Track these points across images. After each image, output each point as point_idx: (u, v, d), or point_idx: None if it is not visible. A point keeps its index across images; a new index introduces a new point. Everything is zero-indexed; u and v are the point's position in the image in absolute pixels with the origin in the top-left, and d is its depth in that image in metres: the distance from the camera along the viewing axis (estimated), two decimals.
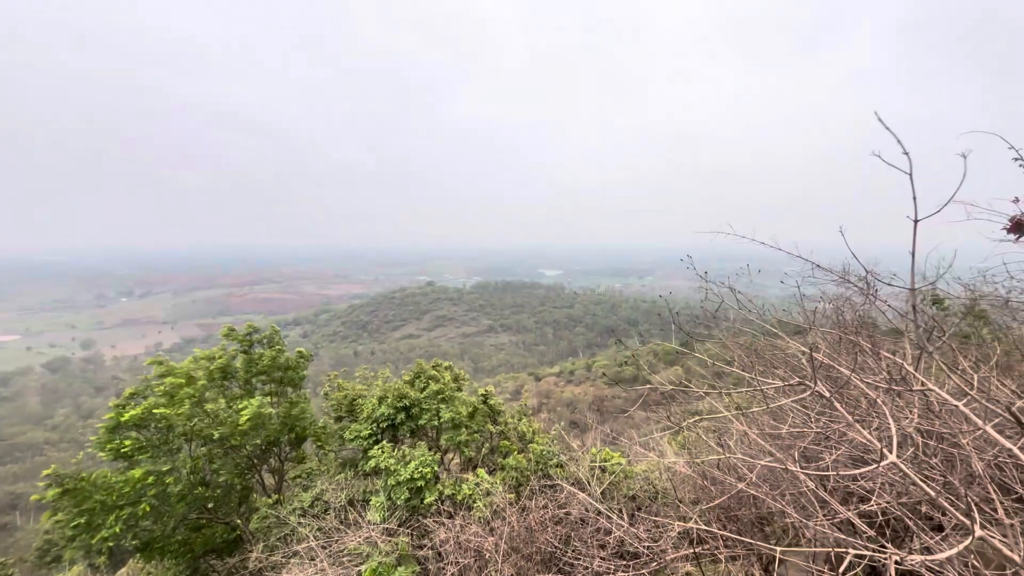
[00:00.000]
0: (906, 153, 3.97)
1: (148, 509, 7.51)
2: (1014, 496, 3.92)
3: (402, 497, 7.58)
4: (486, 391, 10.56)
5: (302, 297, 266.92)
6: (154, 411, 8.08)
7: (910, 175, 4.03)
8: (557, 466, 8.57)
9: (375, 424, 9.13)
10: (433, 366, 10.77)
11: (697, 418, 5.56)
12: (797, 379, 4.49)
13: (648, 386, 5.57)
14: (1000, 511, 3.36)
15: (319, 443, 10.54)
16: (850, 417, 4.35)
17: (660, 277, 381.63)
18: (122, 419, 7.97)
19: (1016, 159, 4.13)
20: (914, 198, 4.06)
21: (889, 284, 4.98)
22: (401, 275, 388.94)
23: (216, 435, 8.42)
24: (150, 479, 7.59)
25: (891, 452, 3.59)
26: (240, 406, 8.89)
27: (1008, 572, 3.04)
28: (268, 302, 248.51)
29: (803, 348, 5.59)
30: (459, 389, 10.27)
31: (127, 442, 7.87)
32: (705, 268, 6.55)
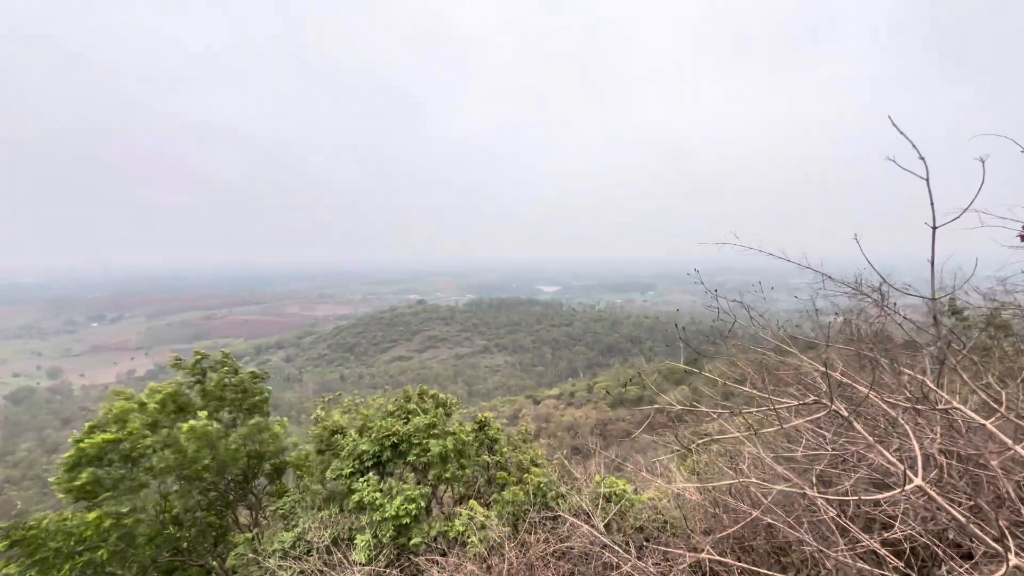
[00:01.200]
0: (922, 158, 3.97)
1: (107, 555, 7.26)
2: None
3: (387, 535, 7.41)
4: (483, 418, 10.43)
5: (285, 319, 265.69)
6: (103, 437, 7.92)
7: (927, 180, 4.05)
8: (558, 496, 8.42)
9: (358, 461, 8.98)
10: (419, 394, 10.64)
11: (707, 438, 5.48)
12: (812, 398, 4.45)
13: (654, 407, 5.51)
14: None
15: (301, 474, 10.34)
16: (870, 438, 4.30)
17: (663, 291, 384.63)
18: (80, 454, 7.80)
19: None
20: (931, 204, 4.05)
21: (905, 293, 4.98)
22: (390, 294, 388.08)
23: (162, 463, 8.23)
24: (107, 522, 7.37)
25: (915, 475, 3.53)
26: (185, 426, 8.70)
27: None
28: (249, 324, 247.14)
29: (817, 365, 5.56)
30: (448, 415, 10.13)
31: (83, 475, 7.65)
32: (709, 281, 6.55)
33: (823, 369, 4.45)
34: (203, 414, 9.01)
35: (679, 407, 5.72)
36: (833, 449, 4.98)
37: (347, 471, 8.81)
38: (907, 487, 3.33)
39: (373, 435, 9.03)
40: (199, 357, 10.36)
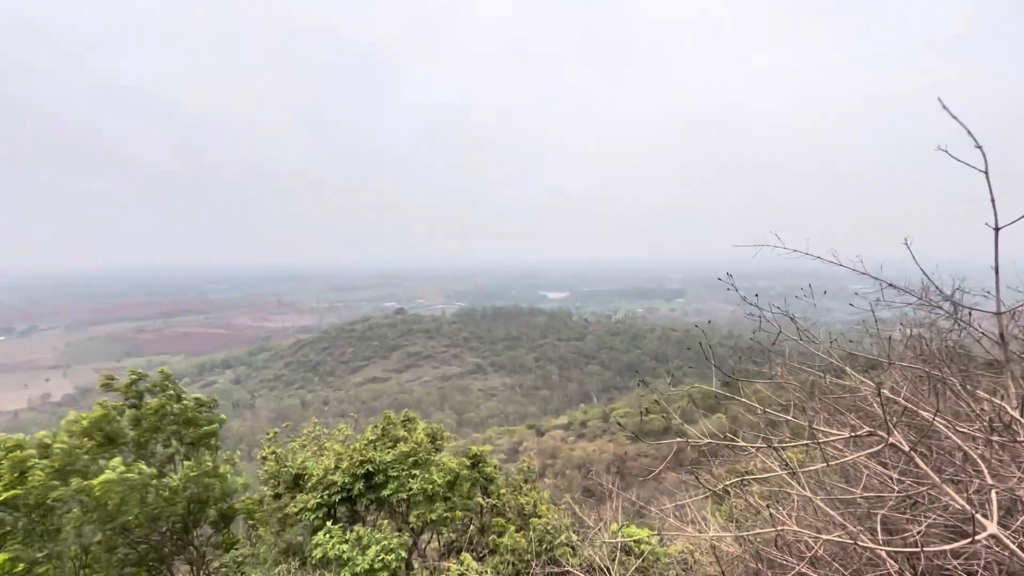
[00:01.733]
0: (979, 147, 3.84)
1: None
2: None
3: None
4: (478, 452, 10.44)
5: (234, 332, 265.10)
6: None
7: (986, 173, 3.90)
8: (566, 548, 8.44)
9: (326, 493, 8.98)
10: (403, 420, 10.68)
11: (747, 477, 5.51)
12: (869, 428, 4.49)
13: (682, 438, 5.53)
14: None
15: (253, 522, 10.33)
16: (937, 477, 4.34)
17: (693, 299, 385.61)
18: None
19: None
20: (992, 201, 3.94)
21: (978, 309, 5.02)
22: (362, 302, 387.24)
23: (77, 519, 8.18)
24: (20, 567, 7.39)
25: (991, 521, 3.56)
26: (102, 475, 8.61)
27: None
28: (190, 339, 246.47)
29: (877, 388, 5.60)
30: (437, 450, 10.14)
31: None
32: (749, 287, 6.61)
33: (885, 393, 4.49)
34: (116, 462, 8.88)
35: (712, 440, 5.75)
36: (898, 490, 5.01)
37: (313, 503, 8.82)
38: (982, 535, 3.37)
39: (346, 464, 9.05)
40: (135, 377, 10.37)
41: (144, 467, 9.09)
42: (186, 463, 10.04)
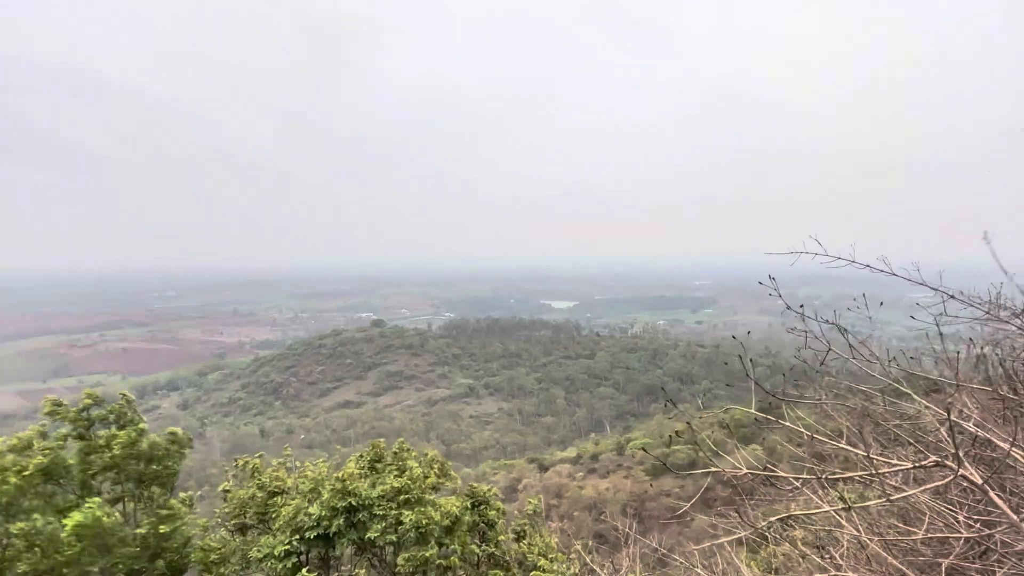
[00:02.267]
0: None
1: None
2: None
3: None
4: (480, 492, 10.43)
5: (182, 347, 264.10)
6: None
7: None
8: None
9: (296, 537, 8.97)
10: (399, 450, 10.69)
11: (788, 517, 5.50)
12: (934, 459, 4.50)
13: (714, 470, 5.53)
14: None
15: (208, 573, 10.30)
16: (1015, 517, 4.37)
17: (723, 310, 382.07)
18: None
19: None
20: None
21: None
22: (334, 312, 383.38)
23: (24, 567, 8.09)
24: None
25: None
26: (74, 515, 8.52)
27: None
28: (130, 356, 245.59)
29: (942, 413, 5.61)
30: (435, 489, 10.13)
31: None
32: (788, 295, 6.66)
33: (951, 419, 4.50)
34: (95, 501, 8.84)
35: (748, 473, 5.71)
36: (967, 532, 5.02)
37: (281, 548, 8.75)
38: None
39: (326, 495, 9.03)
40: (90, 402, 10.33)
41: (110, 512, 9.06)
42: (160, 510, 9.98)
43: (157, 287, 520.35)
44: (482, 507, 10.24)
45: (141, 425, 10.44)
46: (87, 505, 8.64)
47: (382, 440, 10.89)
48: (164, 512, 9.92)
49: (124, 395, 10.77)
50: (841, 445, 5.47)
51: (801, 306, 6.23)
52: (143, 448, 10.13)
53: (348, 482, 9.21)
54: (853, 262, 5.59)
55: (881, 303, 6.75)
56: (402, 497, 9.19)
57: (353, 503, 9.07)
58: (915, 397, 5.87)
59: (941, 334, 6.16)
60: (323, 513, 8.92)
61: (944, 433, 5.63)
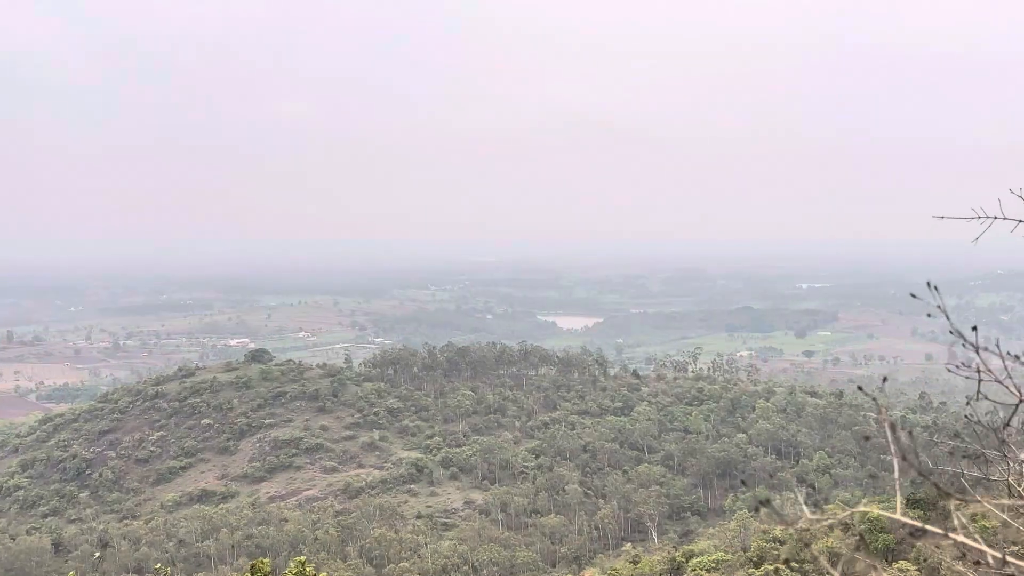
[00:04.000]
0: None
1: None
2: None
3: None
4: None
5: None
6: None
7: None
8: None
9: None
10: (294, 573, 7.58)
11: None
12: None
13: None
14: None
15: None
16: None
17: (849, 330, 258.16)
18: None
19: None
20: None
21: None
22: (181, 336, 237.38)
23: None
24: None
25: None
26: None
27: None
28: None
29: None
30: None
31: None
32: (960, 305, 4.27)
33: None
34: None
35: None
36: None
37: None
38: None
39: None
40: None
41: None
42: None
43: None
44: None
45: None
46: None
47: (266, 560, 8.02)
48: None
49: None
50: None
51: (974, 328, 3.90)
52: None
53: None
54: None
55: None
56: None
57: None
58: None
59: None
60: None
61: None
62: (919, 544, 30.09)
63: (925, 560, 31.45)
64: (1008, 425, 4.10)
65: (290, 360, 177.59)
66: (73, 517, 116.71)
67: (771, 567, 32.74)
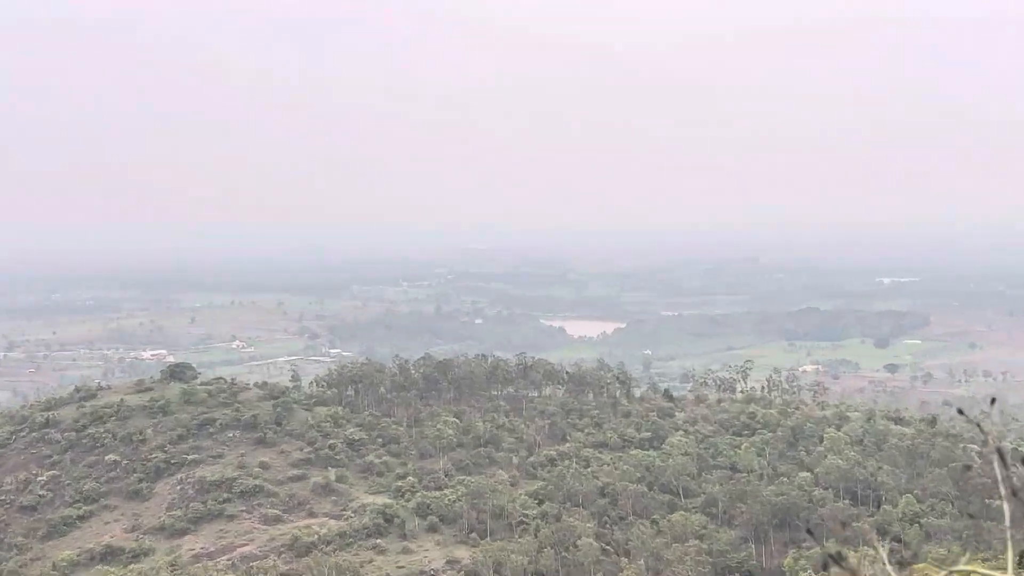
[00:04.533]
0: None
1: None
2: None
3: None
4: None
5: None
6: None
7: None
8: None
9: None
10: None
11: None
12: None
13: None
14: None
15: None
16: None
17: (947, 337, 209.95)
18: None
19: None
20: None
21: None
22: (78, 345, 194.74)
23: None
24: None
25: None
26: None
27: None
28: None
29: None
30: None
31: None
32: None
33: None
34: None
35: None
36: None
37: None
38: None
39: None
40: None
41: None
42: None
43: None
44: None
45: None
46: None
47: None
48: None
49: None
50: None
51: None
52: None
53: None
54: None
55: None
56: None
57: None
58: None
59: None
60: None
61: None
62: None
63: None
64: None
65: (220, 378, 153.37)
66: None
67: None
